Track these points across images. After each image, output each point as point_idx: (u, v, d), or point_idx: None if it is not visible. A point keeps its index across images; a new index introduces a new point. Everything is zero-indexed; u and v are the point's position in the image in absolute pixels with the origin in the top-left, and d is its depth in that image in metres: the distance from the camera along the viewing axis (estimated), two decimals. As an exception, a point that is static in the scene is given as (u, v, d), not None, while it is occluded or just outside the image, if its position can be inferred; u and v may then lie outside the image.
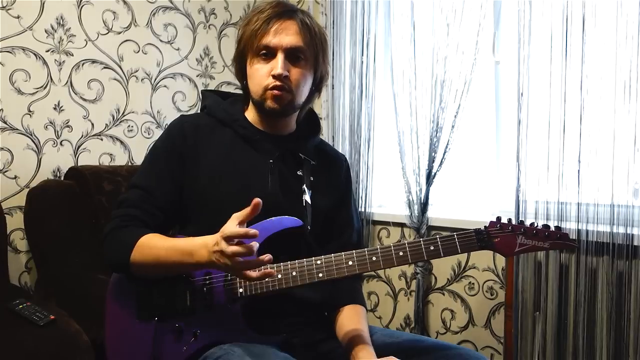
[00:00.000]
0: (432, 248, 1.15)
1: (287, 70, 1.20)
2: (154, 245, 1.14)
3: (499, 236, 1.15)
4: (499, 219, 1.18)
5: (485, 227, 1.17)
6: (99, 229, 1.92)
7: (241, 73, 1.29)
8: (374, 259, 1.15)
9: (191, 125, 1.27)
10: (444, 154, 2.10)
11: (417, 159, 2.18)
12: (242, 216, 1.02)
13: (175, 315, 1.15)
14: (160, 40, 2.40)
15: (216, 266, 1.05)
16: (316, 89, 1.30)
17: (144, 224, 1.20)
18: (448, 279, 2.21)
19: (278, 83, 1.20)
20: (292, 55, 1.21)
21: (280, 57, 1.20)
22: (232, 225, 1.01)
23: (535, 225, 1.16)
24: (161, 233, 1.21)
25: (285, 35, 1.20)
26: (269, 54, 1.21)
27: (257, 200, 1.02)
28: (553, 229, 1.16)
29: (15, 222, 1.98)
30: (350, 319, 1.25)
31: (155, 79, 2.39)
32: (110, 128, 2.25)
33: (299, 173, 1.29)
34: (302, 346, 1.21)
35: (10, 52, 1.97)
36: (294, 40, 1.20)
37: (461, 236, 1.15)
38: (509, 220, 1.18)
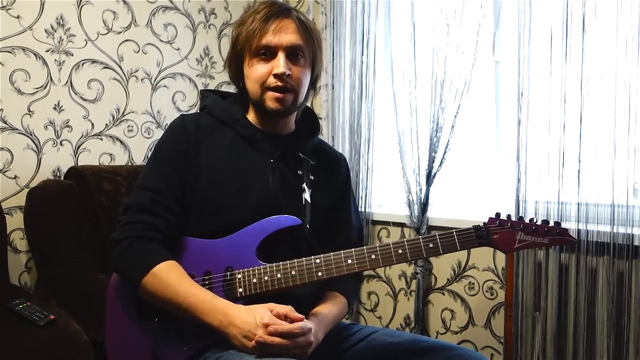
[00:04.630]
0: (431, 245, 1.14)
1: (288, 69, 1.20)
2: (170, 282, 1.12)
3: (498, 232, 1.15)
4: (498, 215, 1.17)
5: (484, 223, 1.17)
6: (99, 229, 1.92)
7: (237, 75, 1.28)
8: (373, 257, 1.15)
9: (193, 124, 1.26)
10: (444, 154, 2.10)
11: (417, 159, 2.18)
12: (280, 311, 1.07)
13: (176, 316, 1.15)
14: (160, 40, 2.40)
15: (231, 339, 1.07)
16: (312, 87, 1.31)
17: (160, 232, 1.18)
18: (448, 278, 2.20)
19: (280, 83, 1.19)
20: (292, 54, 1.21)
21: (281, 56, 1.19)
22: (266, 317, 1.05)
23: (535, 221, 1.16)
24: (174, 238, 1.20)
25: (284, 34, 1.20)
26: (268, 53, 1.21)
27: (299, 322, 1.07)
28: (552, 225, 1.16)
29: (15, 222, 1.98)
30: (322, 301, 1.25)
31: (155, 79, 2.39)
32: (110, 128, 2.25)
33: (299, 172, 1.29)
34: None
35: (10, 52, 1.97)
36: (293, 38, 1.20)
37: (460, 233, 1.15)
38: (508, 216, 1.18)
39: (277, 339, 1.03)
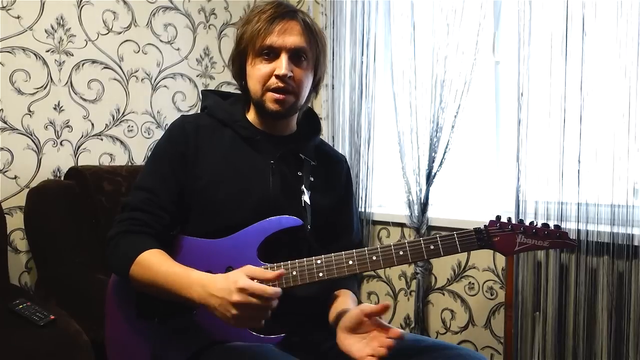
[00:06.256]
0: (432, 247, 1.15)
1: (290, 71, 1.20)
2: (152, 266, 1.12)
3: (499, 235, 1.16)
4: (498, 218, 1.18)
5: (485, 226, 1.17)
6: (99, 229, 1.92)
7: (240, 73, 1.28)
8: (374, 258, 1.15)
9: (192, 125, 1.26)
10: (444, 154, 2.10)
11: (417, 159, 2.18)
12: (256, 274, 1.04)
13: (175, 316, 1.15)
14: (160, 40, 2.40)
15: (213, 311, 1.04)
16: (314, 89, 1.31)
17: (150, 227, 1.18)
18: (448, 279, 2.21)
19: (281, 84, 1.19)
20: (295, 56, 1.21)
21: (284, 57, 1.19)
22: (247, 278, 1.01)
23: (535, 224, 1.16)
24: (168, 234, 1.21)
25: (289, 35, 1.20)
26: (271, 54, 1.21)
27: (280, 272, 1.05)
28: (552, 228, 1.16)
29: (15, 222, 1.98)
30: (339, 298, 1.26)
31: (155, 79, 2.39)
32: (110, 128, 2.25)
33: (299, 174, 1.29)
34: (302, 345, 1.21)
35: (10, 52, 1.97)
36: (297, 40, 1.20)
37: (461, 235, 1.15)
38: (509, 219, 1.18)
39: (253, 299, 1.00)
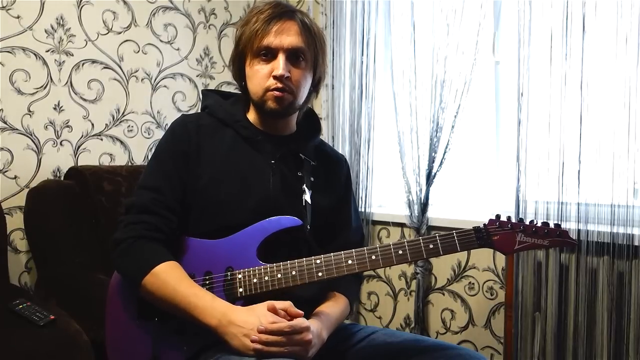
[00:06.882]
0: (431, 246, 1.15)
1: (288, 71, 1.20)
2: (169, 282, 1.12)
3: (498, 234, 1.16)
4: (498, 216, 1.18)
5: (484, 225, 1.17)
6: (99, 229, 1.92)
7: (240, 74, 1.28)
8: (373, 257, 1.15)
9: (194, 125, 1.26)
10: (444, 154, 2.10)
11: (417, 159, 2.18)
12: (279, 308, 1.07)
13: (176, 316, 1.15)
14: (160, 40, 2.40)
15: (230, 339, 1.06)
16: (314, 89, 1.31)
17: (160, 232, 1.18)
18: (448, 279, 2.20)
19: (279, 85, 1.20)
20: (293, 56, 1.21)
21: (281, 58, 1.20)
22: (270, 317, 1.05)
23: (535, 223, 1.16)
24: (175, 237, 1.21)
25: (286, 36, 1.20)
26: (269, 54, 1.21)
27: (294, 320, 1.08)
28: (552, 227, 1.16)
29: (15, 222, 1.98)
30: (324, 301, 1.27)
31: (155, 79, 2.39)
32: (110, 128, 2.25)
33: (300, 174, 1.29)
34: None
35: (10, 52, 1.97)
36: (294, 41, 1.20)
37: (460, 234, 1.16)
38: (508, 218, 1.18)
39: (272, 337, 1.03)
